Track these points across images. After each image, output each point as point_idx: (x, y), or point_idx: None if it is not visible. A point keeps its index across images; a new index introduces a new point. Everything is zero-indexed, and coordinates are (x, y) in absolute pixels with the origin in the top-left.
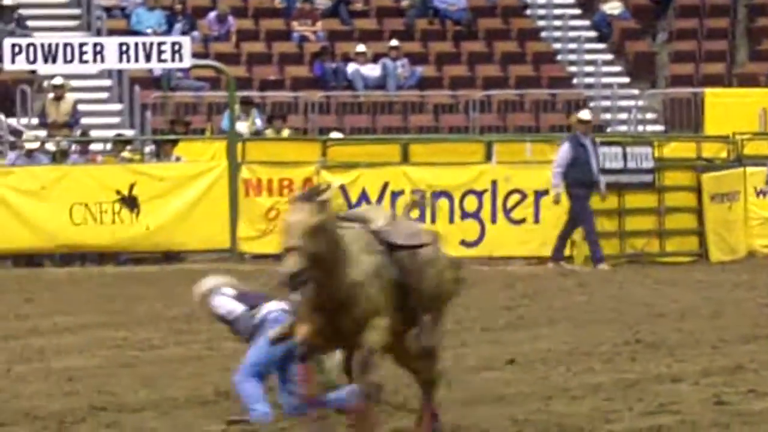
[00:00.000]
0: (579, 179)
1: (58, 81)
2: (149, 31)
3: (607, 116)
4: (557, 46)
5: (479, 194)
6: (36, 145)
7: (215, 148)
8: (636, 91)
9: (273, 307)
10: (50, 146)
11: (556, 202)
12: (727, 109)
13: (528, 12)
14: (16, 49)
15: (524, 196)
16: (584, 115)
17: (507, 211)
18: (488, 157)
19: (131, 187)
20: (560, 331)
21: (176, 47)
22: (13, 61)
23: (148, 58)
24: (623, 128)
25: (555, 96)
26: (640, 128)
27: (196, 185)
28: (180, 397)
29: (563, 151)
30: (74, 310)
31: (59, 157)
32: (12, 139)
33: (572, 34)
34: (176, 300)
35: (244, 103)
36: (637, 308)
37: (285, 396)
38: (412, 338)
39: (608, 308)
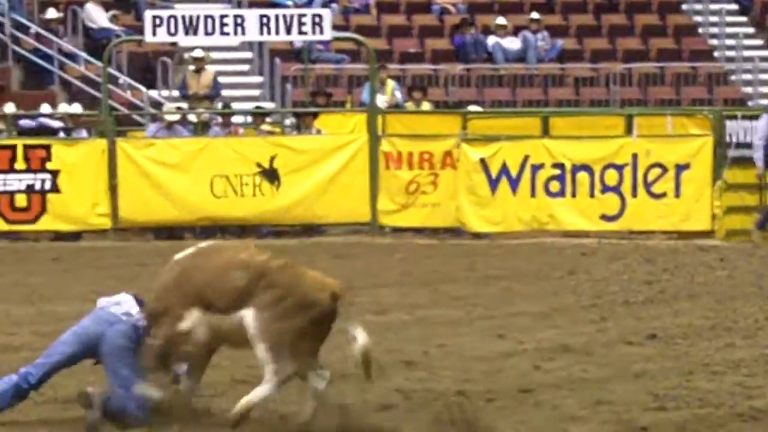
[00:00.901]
0: None
1: (198, 53)
2: (290, 3)
3: (749, 89)
4: (698, 19)
5: (620, 168)
6: (176, 117)
7: (355, 121)
8: None
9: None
10: (191, 118)
11: (761, 176)
12: None
13: None
14: (158, 21)
15: (665, 170)
16: None
17: (648, 185)
18: (629, 130)
19: (272, 159)
20: (701, 306)
21: (317, 19)
22: (154, 34)
23: (288, 30)
24: (765, 101)
25: (696, 69)
26: None
27: (336, 158)
28: None
29: (764, 126)
30: None
31: (200, 129)
32: (153, 111)
33: (713, 7)
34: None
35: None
36: None
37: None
38: None
39: (750, 283)
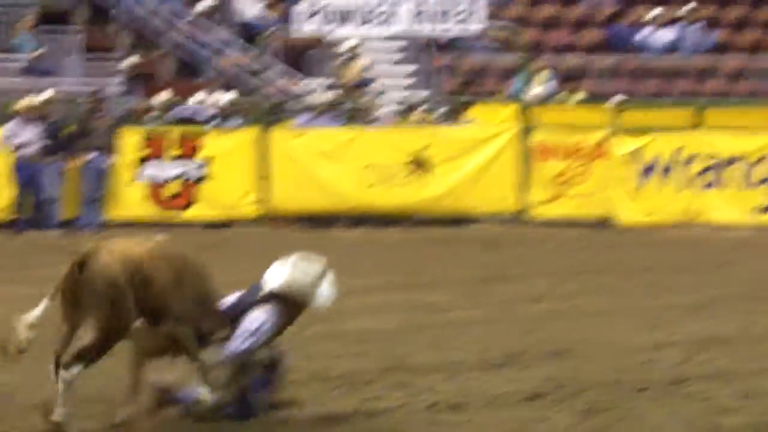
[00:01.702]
0: None
1: (350, 43)
2: None
3: None
4: None
5: None
6: (328, 106)
7: (507, 112)
8: None
9: None
10: (342, 108)
11: None
12: None
13: None
14: (310, 12)
15: None
16: None
17: None
18: None
19: (423, 149)
20: None
21: (470, 9)
22: (305, 24)
23: (442, 20)
24: None
25: None
26: None
27: (488, 148)
28: (470, 359)
29: None
30: (365, 272)
31: (351, 119)
32: (305, 100)
33: None
34: (466, 262)
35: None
36: None
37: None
38: None
39: None
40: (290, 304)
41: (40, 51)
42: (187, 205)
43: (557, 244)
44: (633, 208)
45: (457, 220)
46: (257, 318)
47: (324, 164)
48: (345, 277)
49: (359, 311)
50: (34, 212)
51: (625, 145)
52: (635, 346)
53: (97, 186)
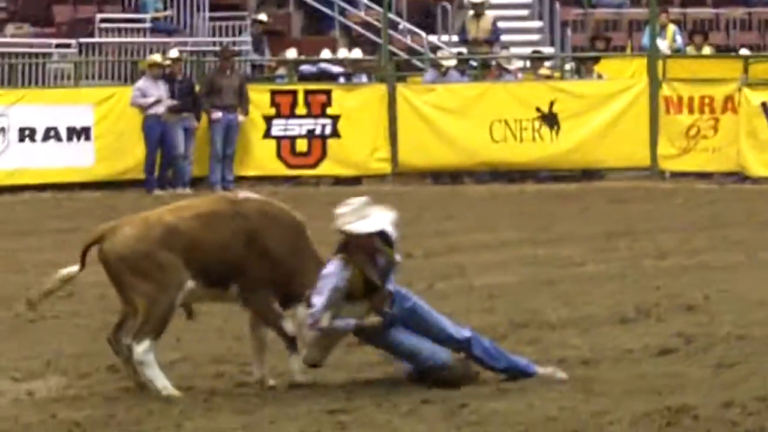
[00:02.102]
0: None
1: None
2: None
3: None
4: None
5: None
6: (454, 62)
7: (635, 66)
8: None
9: None
10: (470, 64)
11: None
12: None
13: None
14: None
15: None
16: None
17: None
18: None
19: (551, 104)
20: None
21: None
22: None
23: None
24: None
25: None
26: None
27: (616, 103)
28: (601, 314)
29: None
30: (494, 228)
31: (479, 74)
32: (432, 56)
33: None
34: (596, 217)
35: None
36: None
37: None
38: None
39: None
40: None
41: (167, 10)
42: (317, 163)
43: (687, 198)
44: (763, 160)
45: (586, 175)
46: (326, 273)
47: (452, 120)
48: (474, 233)
49: (489, 266)
50: (164, 170)
51: (755, 98)
52: (765, 299)
53: (227, 144)
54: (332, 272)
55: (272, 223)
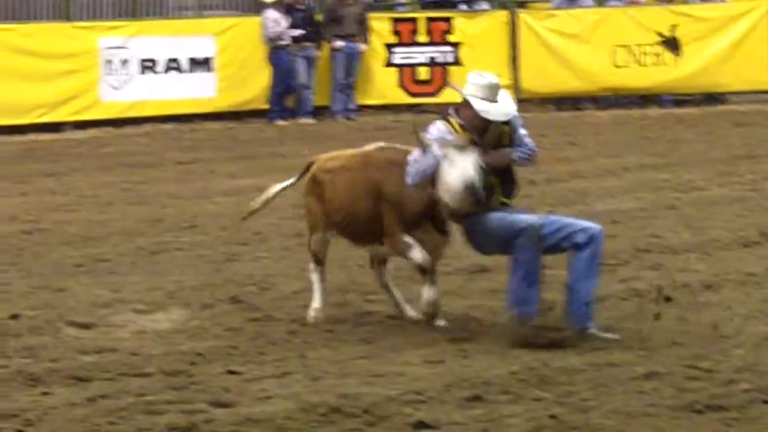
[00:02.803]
0: None
1: None
2: None
3: None
4: None
5: None
6: None
7: None
8: None
9: None
10: None
11: None
12: None
13: None
14: None
15: None
16: None
17: None
18: None
19: (673, 28)
20: None
21: None
22: None
23: None
24: None
25: None
26: None
27: (739, 25)
28: (724, 238)
29: None
30: (616, 153)
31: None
32: None
33: None
34: (719, 141)
35: None
36: None
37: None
38: None
39: None
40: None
41: None
42: (438, 90)
43: None
44: None
45: (709, 99)
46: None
47: (574, 45)
48: (596, 158)
49: (611, 191)
50: (287, 100)
51: None
52: None
53: (349, 73)
54: (437, 132)
55: None
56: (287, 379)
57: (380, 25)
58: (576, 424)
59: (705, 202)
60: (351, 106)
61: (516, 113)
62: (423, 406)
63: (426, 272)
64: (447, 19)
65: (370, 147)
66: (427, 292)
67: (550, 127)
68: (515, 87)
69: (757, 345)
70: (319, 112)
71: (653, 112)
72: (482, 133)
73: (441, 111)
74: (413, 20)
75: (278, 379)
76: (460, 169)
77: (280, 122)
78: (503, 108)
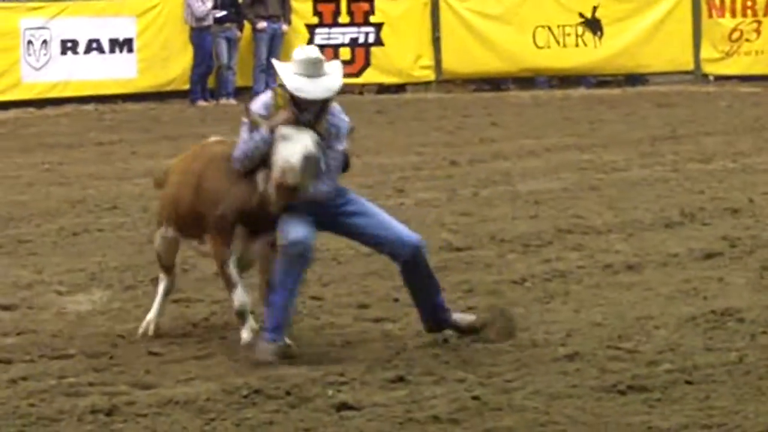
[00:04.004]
0: None
1: None
2: None
3: None
4: None
5: None
6: None
7: None
8: None
9: None
10: None
11: None
12: None
13: None
14: None
15: None
16: None
17: None
18: None
19: (594, 9)
20: None
21: None
22: None
23: None
24: None
25: None
26: None
27: (659, 7)
28: (646, 219)
29: None
30: (539, 133)
31: None
32: None
33: None
34: (640, 122)
35: None
36: None
37: None
38: None
39: None
40: None
41: None
42: (360, 71)
43: (731, 102)
44: None
45: (630, 79)
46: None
47: (495, 26)
48: (519, 139)
49: (534, 172)
50: (196, 81)
51: None
52: None
53: (271, 54)
54: (259, 104)
55: None
56: (209, 361)
57: (302, 5)
58: (499, 405)
59: (627, 182)
60: (271, 87)
61: (344, 119)
62: (345, 387)
63: (244, 317)
64: (369, 0)
65: (210, 139)
66: (235, 299)
67: (472, 107)
68: (437, 68)
69: (680, 326)
70: (239, 92)
71: (575, 92)
72: (301, 110)
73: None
74: (335, 1)
75: (199, 360)
76: (298, 144)
77: (202, 103)
78: (320, 86)
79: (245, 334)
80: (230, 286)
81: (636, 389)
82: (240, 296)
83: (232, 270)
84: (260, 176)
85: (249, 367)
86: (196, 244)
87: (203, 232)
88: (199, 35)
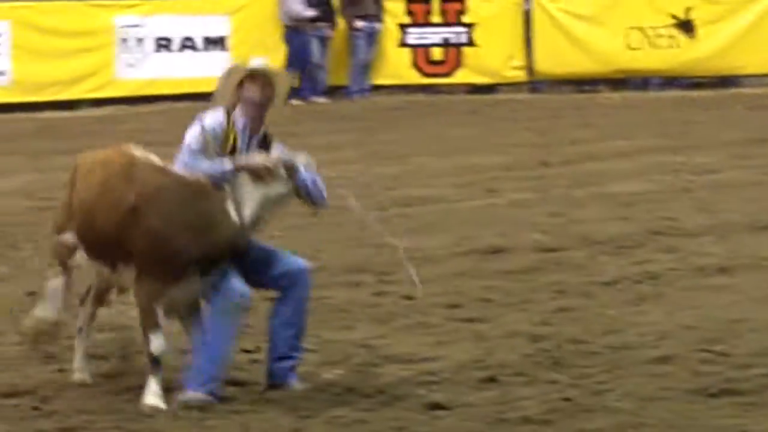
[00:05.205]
0: None
1: None
2: None
3: None
4: None
5: None
6: None
7: None
8: None
9: None
10: None
11: None
12: None
13: None
14: None
15: None
16: None
17: None
18: None
19: (687, 10)
20: None
21: None
22: None
23: None
24: None
25: None
26: None
27: (754, 8)
28: (738, 221)
29: None
30: (631, 135)
31: None
32: None
33: None
34: (733, 124)
35: None
36: None
37: None
38: None
39: None
40: None
41: None
42: (452, 71)
43: None
44: None
45: (723, 81)
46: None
47: (588, 27)
48: (610, 140)
49: (626, 173)
50: (302, 79)
51: None
52: None
53: (365, 52)
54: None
55: None
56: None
57: (394, 5)
58: (590, 406)
59: (719, 185)
60: (366, 86)
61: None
62: (437, 387)
63: (157, 365)
64: (460, 0)
65: (128, 147)
66: (155, 342)
67: (564, 108)
68: (529, 68)
69: None
70: (331, 91)
71: (667, 94)
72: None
73: None
74: (427, 1)
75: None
76: (259, 192)
77: (294, 101)
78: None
79: (151, 399)
80: (151, 328)
81: (728, 392)
82: (160, 341)
83: (158, 311)
84: (231, 206)
85: (342, 366)
86: (107, 272)
87: (122, 263)
88: (294, 34)
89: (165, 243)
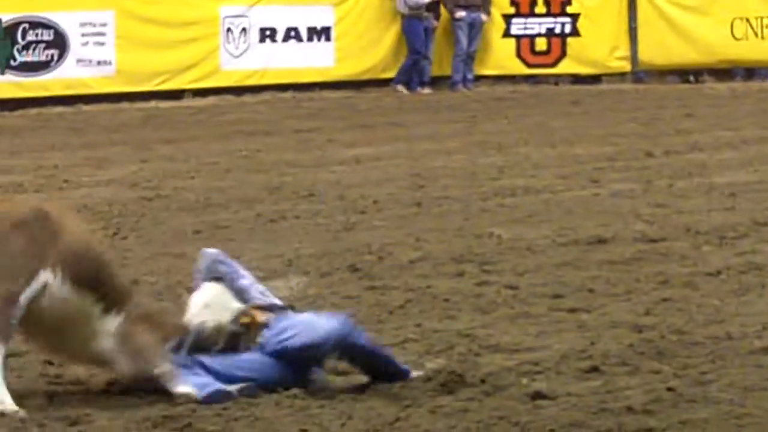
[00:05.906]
0: None
1: None
2: None
3: None
4: None
5: None
6: None
7: None
8: None
9: None
10: None
11: None
12: None
13: None
14: None
15: None
16: None
17: None
18: None
19: None
20: None
21: None
22: None
23: None
24: None
25: None
26: None
27: None
28: None
29: None
30: (735, 125)
31: None
32: None
33: None
34: None
35: None
36: None
37: None
38: None
39: None
40: None
41: None
42: (556, 61)
43: None
44: None
45: None
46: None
47: (693, 18)
48: (715, 131)
49: (730, 164)
50: (407, 69)
51: None
52: None
53: (469, 43)
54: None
55: None
56: (405, 347)
57: None
58: (694, 396)
59: None
60: (469, 76)
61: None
62: (540, 376)
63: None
64: None
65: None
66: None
67: (668, 99)
68: (633, 59)
69: None
70: (435, 81)
71: None
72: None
73: None
74: None
75: (396, 347)
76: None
77: (401, 88)
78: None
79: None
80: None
81: None
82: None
83: None
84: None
85: (444, 356)
86: None
87: None
88: (411, 23)
89: None
